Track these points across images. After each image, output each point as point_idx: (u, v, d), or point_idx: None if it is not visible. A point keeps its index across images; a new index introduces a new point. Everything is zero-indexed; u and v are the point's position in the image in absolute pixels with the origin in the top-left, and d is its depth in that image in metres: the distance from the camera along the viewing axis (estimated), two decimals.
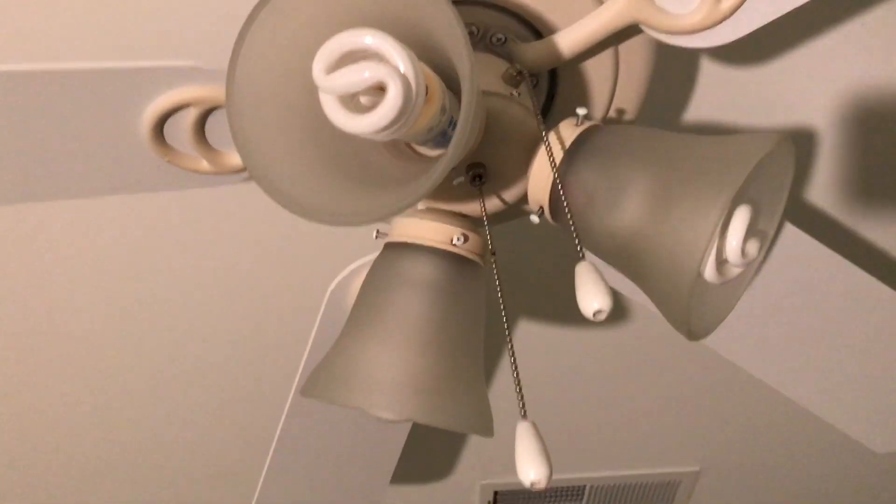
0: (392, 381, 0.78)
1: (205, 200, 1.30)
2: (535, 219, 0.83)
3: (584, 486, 1.90)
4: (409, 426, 1.26)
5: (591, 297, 0.61)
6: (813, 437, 1.85)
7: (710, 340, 1.10)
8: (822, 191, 1.40)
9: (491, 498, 1.91)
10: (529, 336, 1.61)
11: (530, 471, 0.61)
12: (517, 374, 0.64)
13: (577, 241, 0.68)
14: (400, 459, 1.83)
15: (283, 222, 1.32)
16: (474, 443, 1.82)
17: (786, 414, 1.80)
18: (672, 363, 1.69)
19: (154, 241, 1.35)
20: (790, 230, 1.03)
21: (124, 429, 1.66)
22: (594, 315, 0.61)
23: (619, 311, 1.59)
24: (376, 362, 0.80)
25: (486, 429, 0.81)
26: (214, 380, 1.58)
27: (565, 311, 1.58)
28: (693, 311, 0.74)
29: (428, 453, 1.82)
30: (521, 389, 0.64)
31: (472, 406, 0.80)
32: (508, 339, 0.68)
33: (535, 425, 0.63)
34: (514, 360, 0.67)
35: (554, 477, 1.89)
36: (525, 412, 0.63)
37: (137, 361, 1.52)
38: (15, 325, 1.44)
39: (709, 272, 0.74)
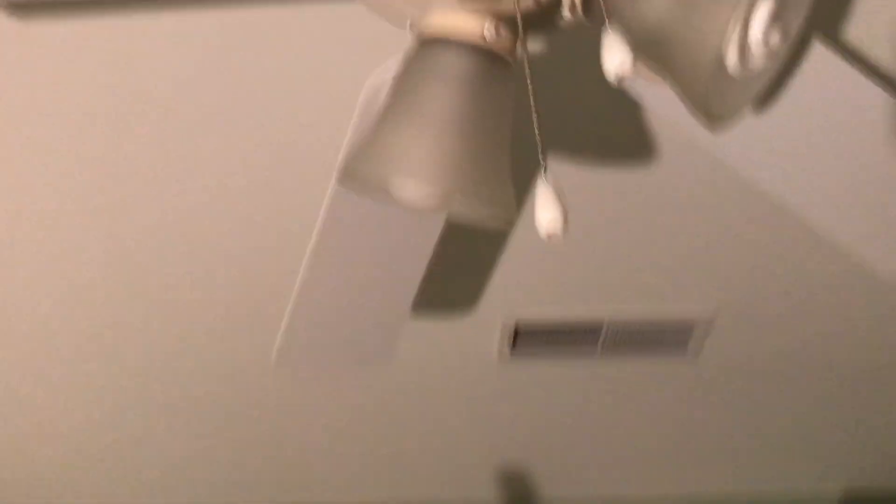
0: (424, 162, 0.83)
1: (235, 21, 1.33)
2: (567, 15, 0.85)
3: (602, 324, 1.97)
4: (435, 235, 1.30)
5: (615, 56, 0.64)
6: (831, 277, 1.90)
7: (733, 158, 1.13)
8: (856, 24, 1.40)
9: (511, 332, 1.99)
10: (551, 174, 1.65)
11: (549, 223, 0.66)
12: (540, 133, 0.68)
13: (605, 14, 0.71)
14: (423, 293, 1.90)
15: (311, 31, 1.35)
16: (497, 278, 1.88)
17: (806, 253, 1.84)
18: (693, 204, 1.73)
19: (185, 62, 1.38)
20: (819, 50, 1.04)
21: (170, 239, 1.73)
22: (617, 71, 0.65)
23: (642, 149, 1.62)
24: (409, 146, 0.85)
25: (510, 216, 0.86)
26: (246, 191, 1.64)
27: (589, 150, 1.61)
28: (713, 94, 0.77)
29: (451, 286, 1.89)
30: (543, 150, 0.68)
31: (498, 192, 0.85)
32: (532, 103, 0.72)
33: (554, 182, 0.67)
34: (537, 118, 0.71)
35: (572, 314, 1.96)
36: (546, 171, 0.68)
37: (170, 178, 1.58)
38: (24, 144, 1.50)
39: (731, 59, 0.77)
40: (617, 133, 1.57)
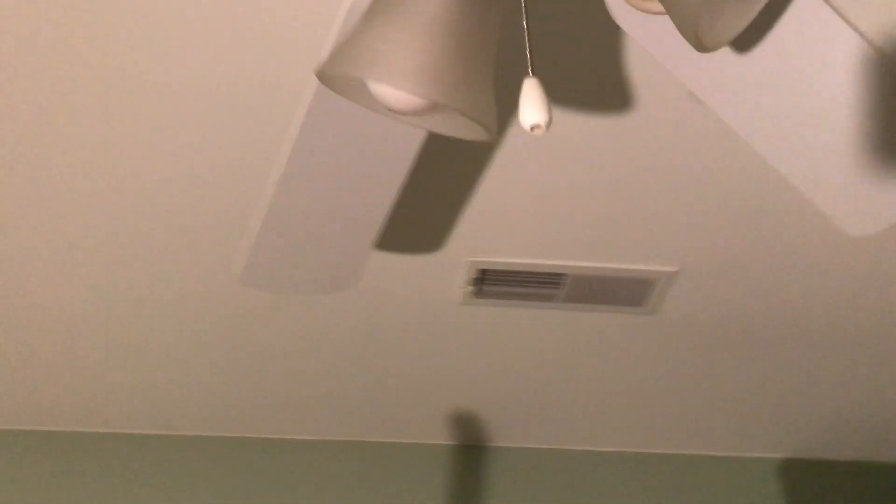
0: (407, 62, 0.83)
1: None
2: None
3: (565, 273, 1.99)
4: (410, 155, 1.29)
5: None
6: (795, 244, 1.92)
7: (709, 97, 1.14)
8: None
9: (476, 274, 2.00)
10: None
11: (533, 115, 0.66)
12: (528, 32, 0.68)
13: None
14: (392, 228, 1.90)
15: None
16: (466, 220, 1.88)
17: (773, 218, 1.86)
18: (662, 161, 1.74)
19: None
20: None
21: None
22: None
23: (619, 102, 1.62)
24: (393, 45, 0.84)
25: (491, 125, 0.86)
26: (225, 89, 1.62)
27: (566, 97, 1.61)
28: (703, 15, 0.78)
29: (420, 224, 1.89)
30: (530, 48, 0.68)
31: (482, 99, 0.85)
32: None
33: (539, 81, 0.67)
34: (527, 15, 0.71)
35: (537, 261, 1.97)
36: (533, 69, 0.68)
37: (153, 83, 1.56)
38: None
39: None
40: (595, 84, 1.57)
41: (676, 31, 1.04)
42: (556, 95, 1.62)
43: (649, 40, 1.07)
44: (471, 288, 2.03)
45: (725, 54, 1.11)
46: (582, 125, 1.67)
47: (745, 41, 1.10)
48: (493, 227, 1.90)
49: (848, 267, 1.97)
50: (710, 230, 1.90)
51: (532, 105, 0.66)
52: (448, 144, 1.72)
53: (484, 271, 1.99)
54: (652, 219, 1.87)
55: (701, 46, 0.79)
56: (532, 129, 0.66)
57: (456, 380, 2.33)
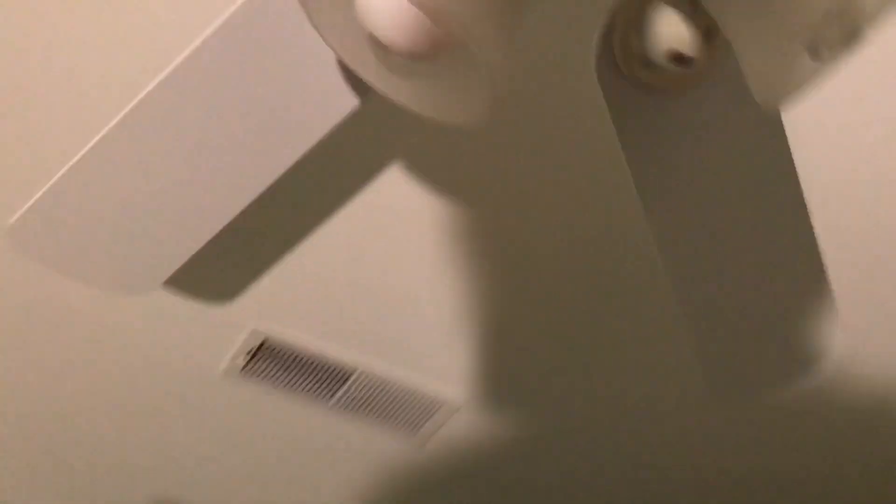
0: None
1: None
2: None
3: (354, 371, 1.79)
4: (281, 168, 1.08)
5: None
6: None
7: (646, 199, 1.04)
8: None
9: (255, 346, 1.74)
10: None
11: (682, 39, 0.51)
12: None
13: None
14: (183, 274, 1.62)
15: None
16: (266, 285, 1.66)
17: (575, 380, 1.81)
18: (485, 278, 1.65)
19: None
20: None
21: None
22: None
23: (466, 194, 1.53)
24: None
25: (501, 94, 0.69)
26: None
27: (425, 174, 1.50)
28: (779, 70, 0.69)
29: (213, 267, 1.63)
30: None
31: (504, 55, 0.68)
32: None
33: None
34: None
35: (326, 353, 1.76)
36: None
37: None
38: None
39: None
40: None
41: (656, 114, 0.96)
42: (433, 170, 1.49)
43: (619, 114, 0.97)
44: (243, 359, 1.76)
45: (681, 172, 1.03)
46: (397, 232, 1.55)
47: (701, 168, 1.03)
48: (292, 300, 1.68)
49: (655, 432, 1.95)
50: (510, 362, 1.80)
51: (672, 24, 0.51)
52: (288, 186, 1.51)
53: (264, 343, 1.74)
54: (454, 342, 1.75)
55: (766, 103, 0.70)
56: (674, 56, 0.51)
57: (174, 463, 1.99)
